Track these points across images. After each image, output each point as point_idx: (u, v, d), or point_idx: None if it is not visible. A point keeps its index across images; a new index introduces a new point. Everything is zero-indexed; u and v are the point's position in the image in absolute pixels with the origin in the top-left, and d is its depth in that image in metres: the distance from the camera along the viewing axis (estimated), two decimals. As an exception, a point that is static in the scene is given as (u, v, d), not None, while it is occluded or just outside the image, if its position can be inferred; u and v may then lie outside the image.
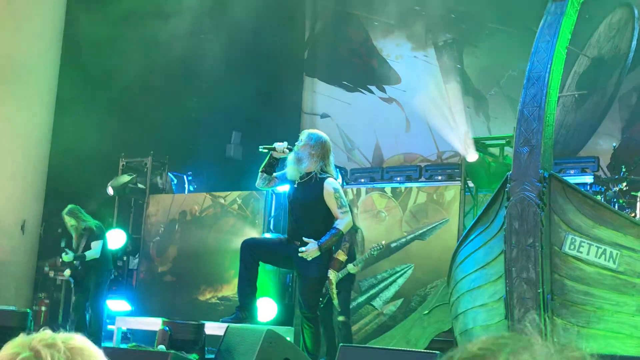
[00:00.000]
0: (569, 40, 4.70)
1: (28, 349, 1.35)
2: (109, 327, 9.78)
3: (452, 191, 8.92)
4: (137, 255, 10.84)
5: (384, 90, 12.92)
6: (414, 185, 9.30)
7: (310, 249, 5.49)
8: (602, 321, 4.39)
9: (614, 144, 9.56)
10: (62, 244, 8.97)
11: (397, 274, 8.97)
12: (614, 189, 7.82)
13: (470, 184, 8.70)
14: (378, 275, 9.07)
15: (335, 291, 7.41)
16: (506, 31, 11.50)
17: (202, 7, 11.64)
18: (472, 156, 8.52)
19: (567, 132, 10.82)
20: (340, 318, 8.06)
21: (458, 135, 11.53)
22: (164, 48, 11.36)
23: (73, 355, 1.36)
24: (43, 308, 10.93)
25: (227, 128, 12.43)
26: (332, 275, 7.33)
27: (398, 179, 9.59)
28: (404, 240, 9.04)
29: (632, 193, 7.70)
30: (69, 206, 8.77)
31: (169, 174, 11.11)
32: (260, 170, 5.87)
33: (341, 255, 7.48)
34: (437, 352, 3.70)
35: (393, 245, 9.04)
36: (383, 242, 7.99)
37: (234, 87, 11.84)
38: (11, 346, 1.38)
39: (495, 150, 8.82)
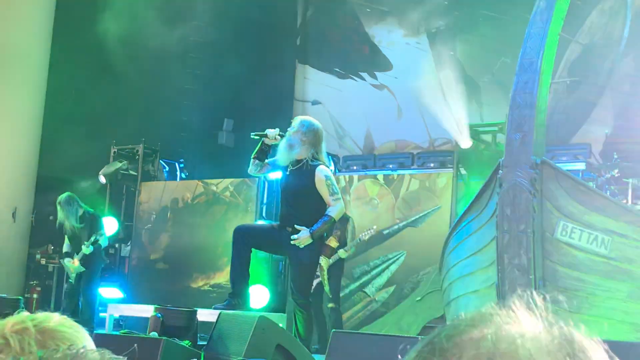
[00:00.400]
0: (561, 27, 4.70)
1: (0, 336, 1.32)
2: (101, 314, 9.78)
3: (444, 178, 8.93)
4: (129, 243, 10.82)
5: (375, 77, 12.89)
6: (407, 172, 9.30)
7: (302, 237, 5.49)
8: (594, 307, 4.41)
9: (606, 131, 9.57)
10: (65, 233, 8.93)
11: (390, 261, 8.99)
12: (606, 175, 7.84)
13: (463, 171, 8.71)
14: (370, 262, 9.08)
15: (326, 277, 7.43)
16: (500, 18, 11.47)
17: (194, -7, 11.59)
18: (466, 142, 8.52)
19: (558, 119, 10.81)
20: (330, 305, 8.08)
21: (451, 122, 11.54)
22: (156, 35, 11.30)
23: (44, 339, 1.31)
24: (35, 295, 10.91)
25: (219, 115, 12.38)
26: (324, 261, 7.34)
27: (390, 166, 9.59)
28: (396, 227, 9.05)
29: (624, 180, 7.73)
30: (64, 195, 8.77)
31: (160, 161, 11.07)
32: (252, 157, 5.87)
33: (332, 242, 7.50)
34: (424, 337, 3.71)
35: (385, 232, 9.05)
36: (374, 227, 8.01)
37: (225, 74, 11.79)
38: None
39: (488, 137, 8.82)
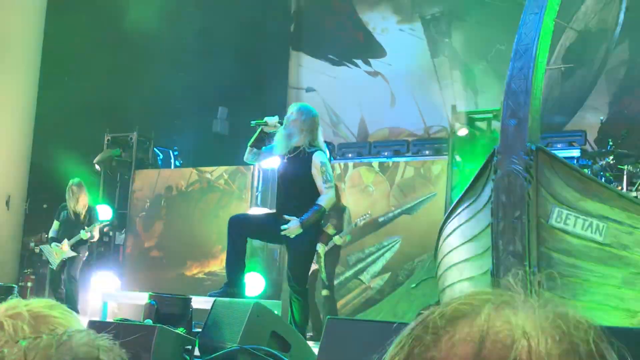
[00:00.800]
0: (556, 13, 4.68)
1: None
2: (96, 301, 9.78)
3: (439, 165, 8.92)
4: (123, 231, 10.81)
5: (369, 64, 12.86)
6: (402, 159, 9.30)
7: (291, 227, 5.51)
8: (589, 293, 4.41)
9: (601, 118, 9.57)
10: (60, 217, 9.01)
11: (385, 248, 8.99)
12: (601, 162, 7.84)
13: (458, 158, 8.71)
14: (366, 250, 9.08)
15: (323, 265, 7.43)
16: (495, 5, 11.44)
17: (187, -20, 11.53)
18: (463, 131, 8.51)
19: (553, 106, 10.81)
20: (324, 292, 8.09)
21: (447, 108, 11.52)
22: (149, 23, 11.24)
23: (37, 324, 1.33)
24: (29, 284, 10.91)
25: (214, 103, 12.35)
26: (321, 249, 7.34)
27: (385, 153, 9.58)
28: (391, 214, 9.05)
29: (619, 166, 7.73)
30: (77, 179, 8.91)
31: (154, 148, 11.04)
32: (249, 144, 5.85)
33: (330, 229, 7.50)
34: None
35: (380, 219, 9.05)
36: (369, 212, 8.01)
37: (220, 61, 11.74)
38: None
39: (483, 124, 8.81)
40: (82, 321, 1.43)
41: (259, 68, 12.19)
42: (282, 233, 5.49)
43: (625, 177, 7.66)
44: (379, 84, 12.62)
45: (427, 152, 9.37)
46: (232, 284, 5.71)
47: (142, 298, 5.75)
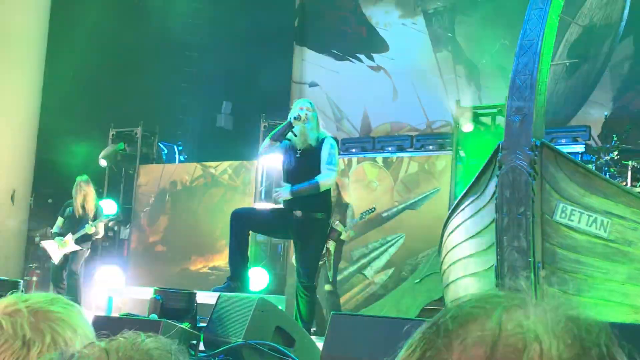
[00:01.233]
0: (561, 8, 4.67)
1: None
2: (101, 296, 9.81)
3: (443, 161, 8.92)
4: (128, 226, 10.83)
5: (372, 59, 12.84)
6: (406, 155, 9.29)
7: (282, 192, 5.62)
8: (593, 289, 4.42)
9: (606, 113, 9.55)
10: (64, 214, 9.05)
11: (388, 244, 8.99)
12: (605, 158, 7.83)
13: (462, 154, 8.70)
14: (369, 245, 9.08)
15: (333, 261, 7.43)
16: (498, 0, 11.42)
17: (192, -25, 11.52)
18: (468, 126, 8.49)
19: (557, 101, 10.79)
20: (327, 287, 8.09)
21: (450, 103, 11.50)
22: (154, 18, 11.24)
23: (37, 320, 1.31)
24: (34, 278, 10.94)
25: (218, 98, 12.35)
26: (331, 245, 7.34)
27: (389, 148, 9.58)
28: (395, 209, 9.05)
29: (623, 162, 7.72)
30: (85, 176, 8.95)
31: (159, 143, 11.06)
32: (272, 138, 5.77)
33: (340, 227, 7.50)
34: (429, 319, 3.71)
35: (384, 214, 9.05)
36: (374, 206, 8.02)
37: (224, 56, 11.75)
38: None
39: (487, 119, 8.80)
40: (87, 315, 1.41)
41: (262, 63, 12.18)
42: (274, 195, 5.56)
43: (629, 172, 7.64)
44: (381, 79, 12.61)
45: (430, 147, 9.36)
46: (235, 278, 5.72)
47: (147, 293, 5.77)
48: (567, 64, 10.77)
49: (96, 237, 9.16)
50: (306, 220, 5.60)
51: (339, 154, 9.76)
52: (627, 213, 4.47)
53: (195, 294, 5.27)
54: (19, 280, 6.18)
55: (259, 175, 9.91)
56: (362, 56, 12.93)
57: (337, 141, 6.00)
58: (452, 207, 5.58)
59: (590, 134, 8.70)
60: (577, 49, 10.85)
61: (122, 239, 11.01)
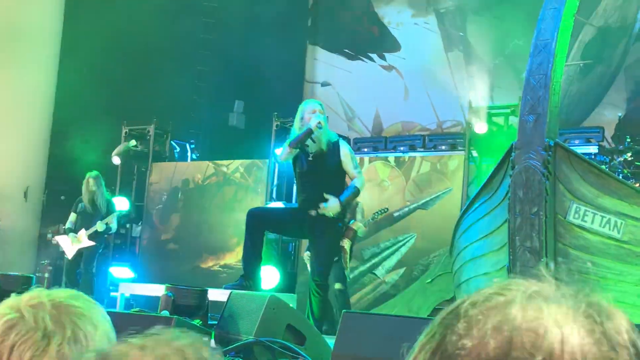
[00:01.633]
0: (577, 8, 4.65)
1: (15, 310, 1.33)
2: (112, 293, 9.85)
3: (455, 160, 8.89)
4: (140, 223, 10.87)
5: (384, 58, 12.83)
6: (418, 154, 9.28)
7: (332, 205, 5.55)
8: (606, 290, 4.40)
9: (620, 114, 9.50)
10: (77, 209, 9.11)
11: (400, 243, 8.98)
12: (619, 159, 7.79)
13: (475, 154, 8.68)
14: (381, 244, 9.07)
15: (349, 261, 7.40)
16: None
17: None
18: (481, 127, 8.46)
19: (570, 102, 10.75)
20: (337, 286, 8.07)
21: (460, 103, 11.46)
22: (168, 16, 11.28)
23: (59, 313, 1.33)
24: (46, 274, 10.99)
25: (230, 97, 12.37)
26: (347, 244, 7.32)
27: (401, 148, 9.56)
28: (406, 209, 9.03)
29: (637, 163, 7.68)
30: (95, 172, 8.99)
31: (171, 141, 11.09)
32: (291, 145, 5.71)
33: (356, 225, 7.48)
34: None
35: (396, 214, 9.04)
36: (387, 207, 8.01)
37: (236, 55, 11.77)
38: (1, 307, 1.36)
39: (500, 119, 8.77)
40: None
41: (275, 62, 12.19)
42: (320, 211, 5.53)
43: (643, 174, 7.61)
44: (393, 78, 12.60)
45: (443, 147, 9.34)
46: (248, 277, 5.73)
47: (159, 290, 5.79)
48: (581, 64, 10.73)
49: (110, 233, 9.21)
50: (321, 219, 5.61)
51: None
52: (641, 214, 4.45)
53: (206, 291, 5.28)
54: (32, 275, 6.22)
55: (271, 174, 9.92)
56: (374, 55, 12.93)
57: (346, 140, 6.03)
58: (465, 207, 5.57)
59: (604, 135, 8.66)
60: (591, 50, 10.80)
61: (134, 236, 11.05)
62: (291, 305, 5.29)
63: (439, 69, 12.06)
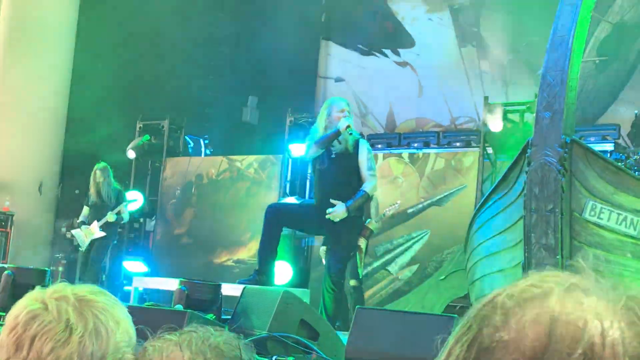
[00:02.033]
0: (594, 3, 4.62)
1: (39, 302, 1.36)
2: (126, 287, 9.89)
3: (470, 157, 8.86)
4: (153, 218, 10.90)
5: (398, 54, 12.79)
6: (432, 151, 9.25)
7: (338, 210, 5.56)
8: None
9: (636, 112, 9.43)
10: (89, 202, 9.16)
11: (413, 240, 8.96)
12: (635, 157, 7.74)
13: (490, 150, 8.64)
14: (394, 241, 9.06)
15: (363, 259, 7.38)
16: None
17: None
18: (497, 125, 8.41)
19: (586, 99, 10.68)
20: (352, 282, 8.06)
21: (474, 99, 11.41)
22: (182, 12, 11.29)
23: (82, 307, 1.35)
24: (60, 268, 11.04)
25: (244, 92, 12.38)
26: (362, 243, 7.31)
27: (415, 145, 9.54)
28: (420, 206, 9.01)
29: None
30: (103, 163, 9.02)
31: (185, 137, 11.11)
32: (318, 145, 5.73)
33: (372, 224, 7.47)
34: (455, 315, 3.70)
35: (410, 211, 9.02)
36: (398, 202, 7.98)
37: (250, 51, 11.77)
38: (26, 298, 1.39)
39: (515, 116, 8.73)
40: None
41: (289, 57, 12.19)
42: (327, 216, 5.53)
43: (659, 171, 7.55)
44: (407, 75, 12.56)
45: (457, 144, 9.30)
46: (262, 272, 5.74)
47: (172, 284, 5.80)
48: (597, 61, 10.66)
49: (121, 222, 9.24)
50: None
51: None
52: (658, 212, 4.41)
53: (220, 285, 5.29)
54: (47, 269, 6.23)
55: (285, 169, 9.92)
56: (388, 51, 12.89)
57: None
58: (480, 204, 5.55)
59: (620, 132, 8.61)
60: (607, 47, 10.72)
61: (147, 230, 11.09)
62: (304, 300, 5.29)
63: (453, 65, 12.01)
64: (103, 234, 8.92)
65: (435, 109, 12.00)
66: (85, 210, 9.22)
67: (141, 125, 10.92)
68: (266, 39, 11.64)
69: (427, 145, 9.43)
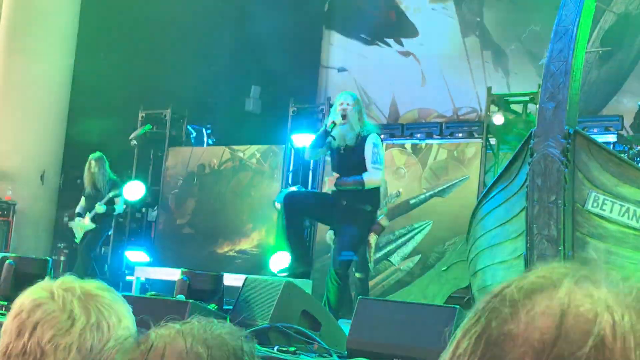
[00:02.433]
0: (598, -6, 4.59)
1: (47, 291, 1.39)
2: (128, 277, 9.90)
3: (473, 148, 8.84)
4: (155, 207, 10.90)
5: (401, 44, 12.75)
6: (435, 142, 9.23)
7: (330, 180, 5.72)
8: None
9: (639, 103, 9.40)
10: (85, 193, 9.12)
11: (415, 231, 8.95)
12: (638, 148, 7.72)
13: (492, 141, 8.62)
14: (396, 232, 9.05)
15: (373, 255, 7.38)
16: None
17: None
18: (498, 118, 8.38)
19: (589, 90, 10.64)
20: (358, 275, 8.06)
21: (476, 90, 11.38)
22: (185, 1, 11.26)
23: (87, 300, 1.38)
24: (62, 258, 11.06)
25: (246, 82, 12.36)
26: (372, 238, 7.29)
27: (418, 135, 9.52)
28: (422, 197, 9.00)
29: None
30: (98, 153, 8.95)
31: (188, 126, 11.10)
32: (311, 147, 5.80)
33: (384, 221, 7.46)
34: (456, 306, 3.69)
35: (412, 202, 9.01)
36: (400, 190, 7.96)
37: (253, 40, 11.74)
38: (34, 287, 1.42)
39: (518, 107, 8.70)
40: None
41: (292, 47, 12.15)
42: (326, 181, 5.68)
43: (663, 163, 7.53)
44: (410, 65, 12.52)
45: (460, 135, 9.28)
46: (297, 259, 5.80)
47: (174, 274, 5.81)
48: (600, 52, 10.62)
49: (114, 213, 9.13)
50: (351, 209, 5.66)
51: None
52: (661, 204, 4.40)
53: (222, 276, 5.29)
54: (48, 258, 6.23)
55: (287, 159, 9.91)
56: (391, 41, 12.85)
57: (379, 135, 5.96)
58: (482, 195, 5.55)
59: (623, 123, 8.58)
60: (611, 37, 10.68)
61: (149, 220, 11.09)
62: (306, 291, 5.29)
63: (456, 55, 11.98)
64: (92, 225, 8.87)
65: (438, 99, 11.97)
66: (82, 201, 9.19)
67: (143, 115, 10.91)
68: (269, 28, 11.61)
69: (429, 136, 9.41)
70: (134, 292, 8.17)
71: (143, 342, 1.06)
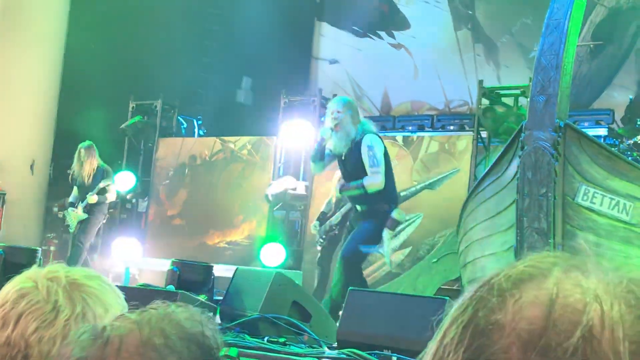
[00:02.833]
0: (590, -13, 4.60)
1: (31, 280, 1.36)
2: (118, 268, 9.88)
3: (464, 141, 8.85)
4: (146, 198, 10.87)
5: (393, 36, 12.73)
6: (426, 134, 9.23)
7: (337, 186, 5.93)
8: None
9: (630, 97, 9.43)
10: (77, 183, 9.05)
11: (406, 223, 8.96)
12: (628, 141, 7.74)
13: (484, 134, 8.63)
14: (386, 224, 9.05)
15: (389, 251, 7.34)
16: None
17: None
18: (487, 115, 8.39)
19: (580, 83, 10.66)
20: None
21: (468, 82, 11.39)
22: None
23: (72, 290, 1.34)
24: (52, 248, 11.03)
25: (238, 73, 12.33)
26: (387, 234, 7.24)
27: (410, 128, 9.52)
28: (413, 189, 9.00)
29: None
30: (88, 142, 8.88)
31: (178, 117, 11.06)
32: (313, 160, 5.90)
33: (397, 215, 7.42)
34: (446, 297, 3.70)
35: (402, 194, 9.00)
36: None
37: (245, 31, 11.70)
38: (20, 276, 1.39)
39: (509, 100, 8.71)
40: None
41: (284, 38, 12.12)
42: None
43: (653, 156, 7.56)
44: (402, 57, 12.51)
45: (451, 128, 9.29)
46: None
47: (164, 265, 5.81)
48: (591, 45, 10.64)
49: (105, 202, 9.05)
50: (367, 211, 5.79)
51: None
52: (650, 197, 4.42)
53: (212, 266, 5.30)
54: (37, 248, 6.22)
55: (278, 151, 9.90)
56: (383, 33, 12.83)
57: (376, 134, 5.92)
58: (473, 187, 5.56)
59: (614, 117, 8.61)
60: (602, 31, 10.70)
61: (140, 211, 11.06)
62: (297, 282, 5.29)
63: (449, 47, 11.98)
64: (86, 215, 8.83)
65: (430, 92, 11.97)
66: (75, 190, 9.13)
67: (134, 105, 10.87)
68: (261, 19, 11.57)
69: (421, 128, 9.41)
70: (124, 282, 8.15)
71: (99, 337, 1.02)
